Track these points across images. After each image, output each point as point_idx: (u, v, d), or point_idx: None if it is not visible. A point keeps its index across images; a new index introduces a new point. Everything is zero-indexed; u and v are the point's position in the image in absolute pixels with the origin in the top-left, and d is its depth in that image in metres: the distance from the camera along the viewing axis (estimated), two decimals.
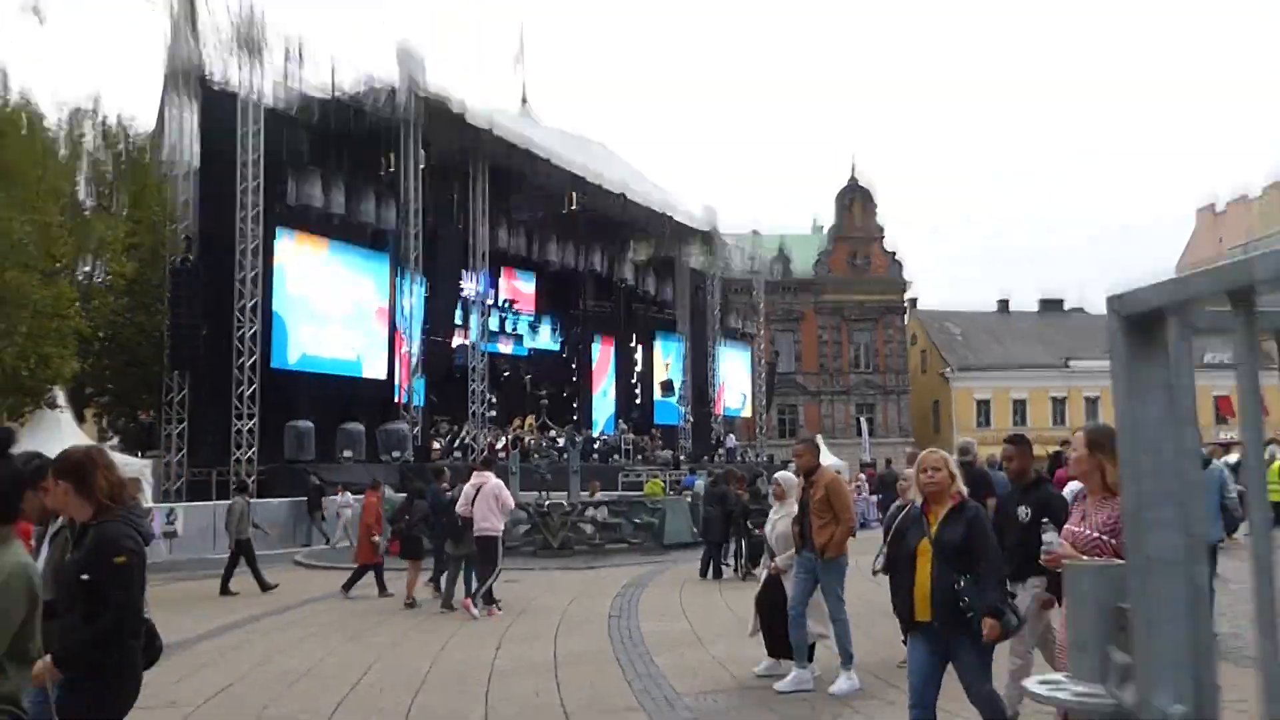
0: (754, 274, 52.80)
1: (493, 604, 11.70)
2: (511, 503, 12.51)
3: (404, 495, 23.39)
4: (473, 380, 32.33)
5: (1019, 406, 63.35)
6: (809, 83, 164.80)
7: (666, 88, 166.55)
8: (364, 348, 28.70)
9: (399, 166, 29.36)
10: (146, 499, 20.40)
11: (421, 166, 30.01)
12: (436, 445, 32.72)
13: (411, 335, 30.52)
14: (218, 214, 25.09)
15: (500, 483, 12.24)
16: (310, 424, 25.53)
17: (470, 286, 34.91)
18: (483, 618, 11.19)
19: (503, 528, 12.14)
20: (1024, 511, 5.86)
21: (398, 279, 29.76)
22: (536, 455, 27.92)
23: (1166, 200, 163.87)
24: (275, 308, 25.70)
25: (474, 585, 11.93)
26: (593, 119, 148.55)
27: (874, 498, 29.25)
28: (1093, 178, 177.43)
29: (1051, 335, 66.14)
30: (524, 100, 41.53)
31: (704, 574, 15.19)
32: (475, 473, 12.46)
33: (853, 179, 65.99)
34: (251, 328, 24.60)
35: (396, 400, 29.89)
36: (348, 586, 13.83)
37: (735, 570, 15.47)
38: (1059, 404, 63.77)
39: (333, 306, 27.58)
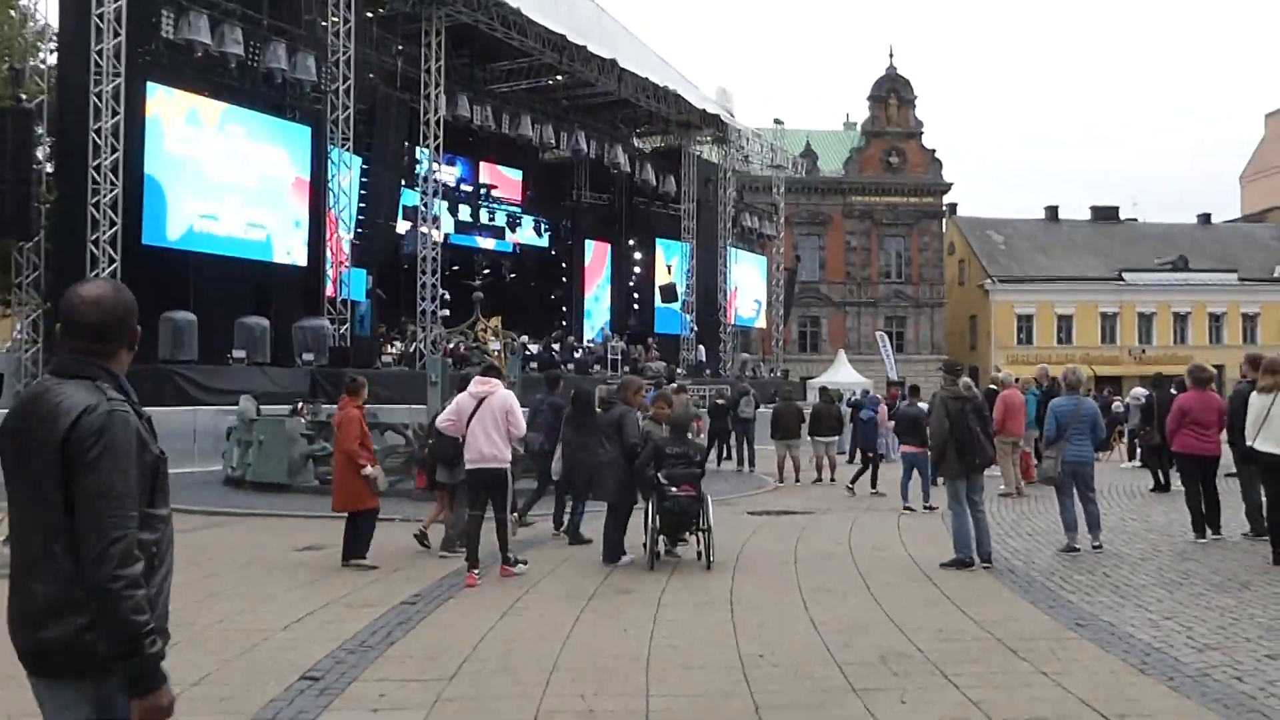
0: (775, 169, 46.93)
1: (510, 561, 8.52)
2: (524, 426, 8.85)
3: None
4: (422, 274, 27.25)
5: (1064, 323, 57.49)
6: None
7: None
8: (276, 228, 23.59)
9: (328, 6, 23.97)
10: None
11: (353, 16, 24.61)
12: (391, 350, 27.90)
13: (346, 218, 25.44)
14: (74, 47, 19.96)
15: (510, 396, 8.84)
16: (190, 316, 20.56)
17: (447, 170, 29.65)
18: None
19: (510, 457, 8.64)
20: None
21: (328, 148, 24.53)
22: (470, 360, 22.66)
23: (1230, 114, 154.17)
24: (149, 169, 20.59)
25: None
26: None
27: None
28: (1152, 89, 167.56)
29: (1104, 245, 59.98)
30: None
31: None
32: (478, 380, 9.07)
33: (890, 69, 59.45)
34: (110, 192, 19.52)
35: (330, 293, 24.94)
36: (352, 556, 9.09)
37: (648, 548, 8.96)
38: (1109, 320, 57.81)
39: (232, 175, 22.43)
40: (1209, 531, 9.57)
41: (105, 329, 2.55)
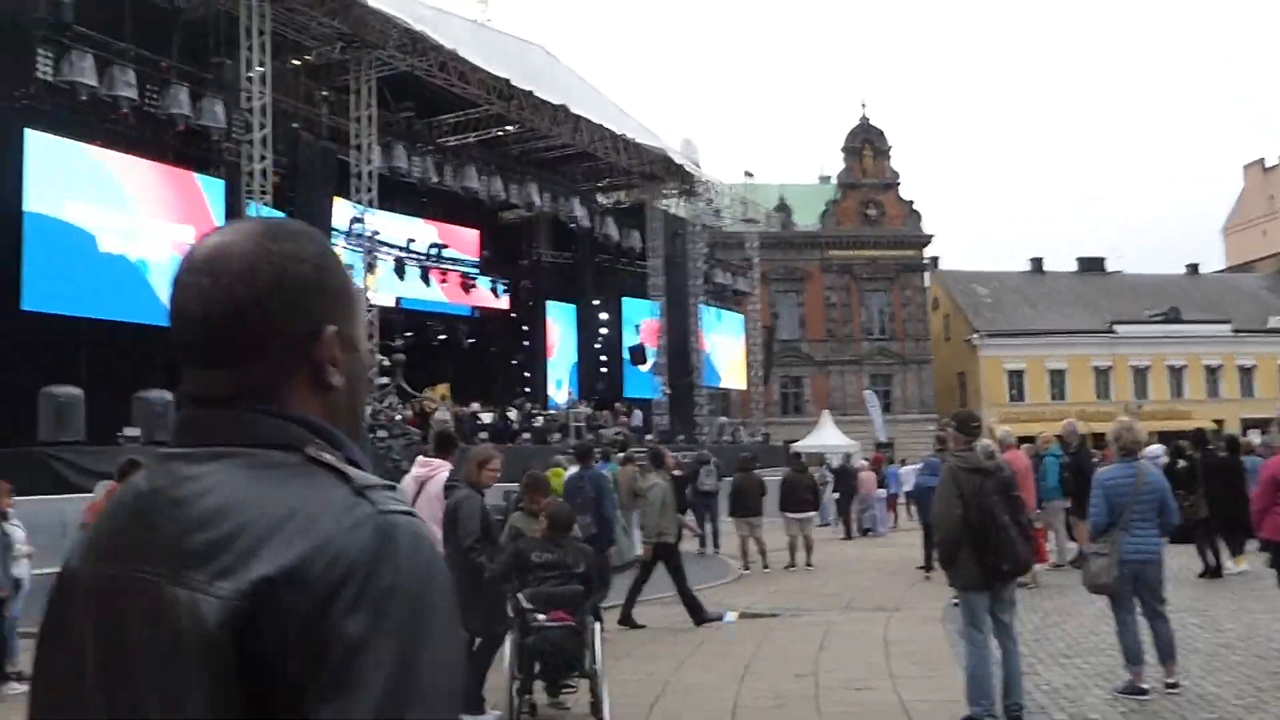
0: (748, 223, 44.85)
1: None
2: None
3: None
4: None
5: (1057, 378, 55.22)
6: (814, 19, 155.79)
7: (645, 14, 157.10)
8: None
9: (240, 50, 21.75)
10: None
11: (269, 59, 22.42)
12: None
13: None
14: None
15: None
16: (77, 391, 17.91)
17: (396, 229, 27.28)
18: None
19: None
20: None
21: (245, 202, 22.15)
22: (387, 432, 19.94)
23: (1211, 161, 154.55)
24: (29, 227, 18.17)
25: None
26: (560, 40, 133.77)
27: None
28: (1131, 141, 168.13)
29: (1092, 297, 57.99)
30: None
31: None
32: (421, 460, 7.43)
33: (863, 119, 57.85)
34: None
35: None
36: None
37: (512, 702, 6.07)
38: (1103, 375, 55.57)
39: (117, 232, 20.03)
40: None
41: (228, 326, 1.01)
